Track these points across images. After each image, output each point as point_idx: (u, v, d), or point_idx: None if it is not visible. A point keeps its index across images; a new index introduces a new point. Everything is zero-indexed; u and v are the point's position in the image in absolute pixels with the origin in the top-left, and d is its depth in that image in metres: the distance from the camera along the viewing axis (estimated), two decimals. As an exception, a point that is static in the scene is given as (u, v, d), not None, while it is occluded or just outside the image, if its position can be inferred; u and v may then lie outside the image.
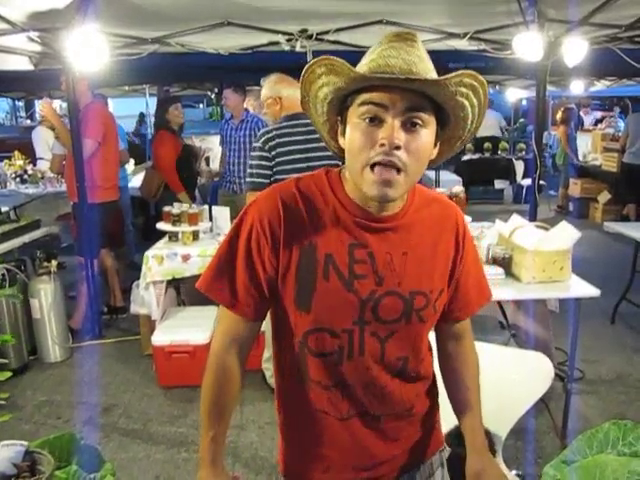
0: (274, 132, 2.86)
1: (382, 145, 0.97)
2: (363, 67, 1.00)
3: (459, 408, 1.26)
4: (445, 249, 1.16)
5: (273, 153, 2.83)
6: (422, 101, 0.98)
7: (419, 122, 0.98)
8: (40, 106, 4.05)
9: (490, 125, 9.89)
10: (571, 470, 1.01)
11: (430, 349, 1.26)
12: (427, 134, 1.00)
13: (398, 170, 0.98)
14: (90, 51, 3.53)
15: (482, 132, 9.85)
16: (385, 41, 1.01)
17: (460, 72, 0.96)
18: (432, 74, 0.99)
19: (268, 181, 2.83)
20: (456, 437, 1.43)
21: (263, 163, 2.85)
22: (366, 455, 1.18)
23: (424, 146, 1.00)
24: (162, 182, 4.74)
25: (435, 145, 1.06)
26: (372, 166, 0.98)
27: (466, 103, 1.01)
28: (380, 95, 0.97)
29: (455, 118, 1.04)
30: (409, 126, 0.98)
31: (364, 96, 0.99)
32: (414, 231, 1.12)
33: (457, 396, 1.27)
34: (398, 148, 0.96)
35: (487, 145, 9.26)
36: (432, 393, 1.27)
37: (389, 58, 0.97)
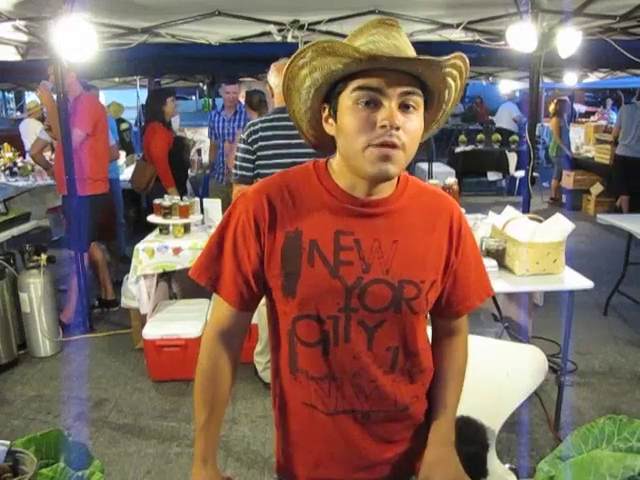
0: (259, 125, 2.81)
1: (383, 126, 0.98)
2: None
3: (434, 397, 1.23)
4: (438, 240, 1.14)
5: (255, 147, 2.79)
6: (415, 84, 1.00)
7: (413, 104, 1.01)
8: (38, 90, 3.98)
9: (502, 116, 9.91)
10: (566, 466, 0.99)
11: (428, 346, 1.23)
12: (419, 115, 1.03)
13: (398, 148, 1.00)
14: (78, 41, 3.47)
15: (497, 124, 9.93)
16: (370, 27, 1.02)
17: (455, 54, 1.00)
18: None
19: (251, 174, 2.81)
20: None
21: (246, 156, 2.82)
22: (357, 455, 1.16)
23: (418, 127, 1.03)
24: (154, 175, 4.69)
25: None
26: (374, 146, 1.00)
27: (453, 85, 1.04)
28: (377, 79, 0.98)
29: (439, 101, 1.07)
30: (404, 108, 1.00)
31: (359, 81, 0.99)
32: (406, 218, 1.11)
33: (435, 386, 1.24)
34: (398, 129, 0.99)
35: (480, 137, 9.25)
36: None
37: (379, 43, 0.99)
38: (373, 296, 1.08)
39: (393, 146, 0.99)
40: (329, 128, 1.07)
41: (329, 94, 1.05)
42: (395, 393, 1.15)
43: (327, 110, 1.07)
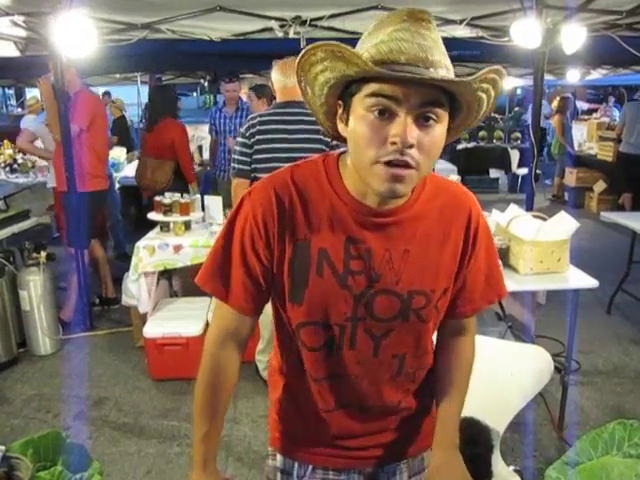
0: (258, 119, 2.83)
1: (394, 143, 0.89)
2: (371, 49, 0.90)
3: (439, 400, 1.20)
4: (453, 245, 1.09)
5: (252, 140, 2.81)
6: (438, 95, 0.90)
7: (433, 117, 0.91)
8: (40, 80, 3.95)
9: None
10: (575, 472, 0.97)
11: (433, 347, 1.22)
12: (441, 128, 0.93)
13: (410, 168, 0.92)
14: (77, 37, 3.44)
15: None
16: (396, 20, 0.90)
17: (487, 70, 0.90)
18: (446, 60, 0.92)
19: (249, 167, 2.83)
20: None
21: (244, 150, 2.84)
22: (350, 440, 1.18)
23: (437, 142, 0.94)
24: (173, 171, 4.57)
25: None
26: (382, 164, 0.92)
27: (484, 97, 0.95)
28: (393, 87, 0.88)
29: (469, 110, 0.98)
30: (422, 121, 0.91)
31: (373, 86, 0.90)
32: (419, 226, 1.06)
33: (440, 387, 1.21)
34: (411, 147, 0.90)
35: (482, 134, 9.21)
36: (429, 390, 1.22)
37: (402, 42, 0.88)
38: (380, 306, 1.05)
39: (405, 166, 0.91)
40: (342, 128, 1.00)
41: (344, 91, 0.97)
42: (393, 392, 1.15)
43: (341, 109, 0.99)
